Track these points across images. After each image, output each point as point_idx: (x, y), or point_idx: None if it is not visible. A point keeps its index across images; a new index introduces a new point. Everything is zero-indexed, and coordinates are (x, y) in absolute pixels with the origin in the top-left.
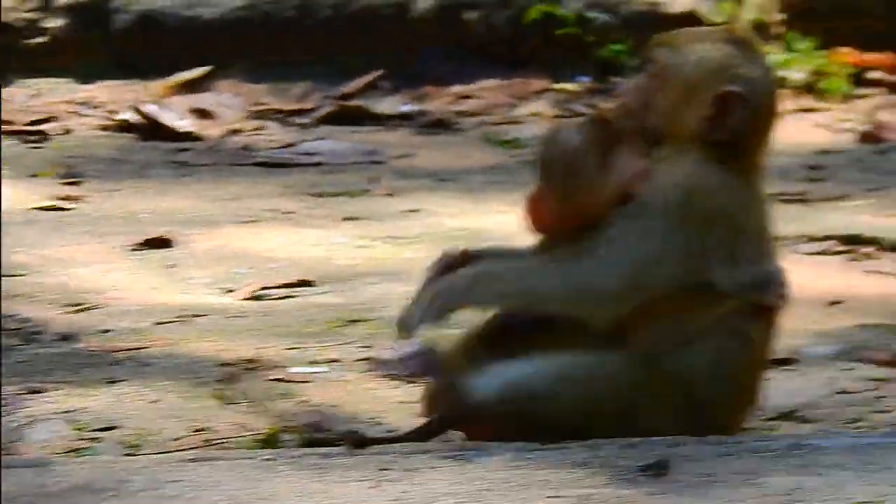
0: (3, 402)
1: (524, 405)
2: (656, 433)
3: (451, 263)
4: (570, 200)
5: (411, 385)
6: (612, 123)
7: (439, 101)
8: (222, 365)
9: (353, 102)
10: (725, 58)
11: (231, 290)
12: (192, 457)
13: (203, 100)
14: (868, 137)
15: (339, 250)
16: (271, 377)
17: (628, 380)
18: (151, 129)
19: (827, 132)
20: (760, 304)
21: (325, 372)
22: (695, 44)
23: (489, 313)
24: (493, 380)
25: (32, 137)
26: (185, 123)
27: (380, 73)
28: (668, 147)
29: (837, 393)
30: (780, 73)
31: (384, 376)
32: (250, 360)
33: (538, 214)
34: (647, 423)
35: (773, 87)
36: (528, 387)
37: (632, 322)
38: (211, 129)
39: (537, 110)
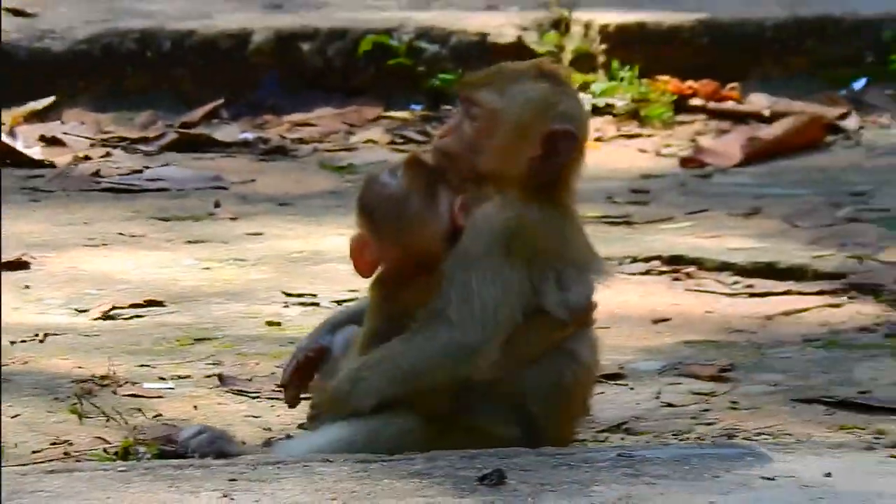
0: None
1: None
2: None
3: (306, 362)
4: (393, 243)
5: (257, 401)
6: (426, 164)
7: (278, 129)
8: (78, 381)
9: (196, 130)
10: (547, 96)
11: (84, 310)
12: (51, 468)
13: (52, 128)
14: (689, 162)
15: (187, 272)
16: (125, 392)
17: (415, 439)
18: (3, 157)
19: (650, 157)
20: (583, 323)
21: (175, 388)
22: (514, 84)
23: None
24: (298, 446)
25: None
26: (35, 151)
27: (220, 102)
28: (488, 185)
29: (664, 406)
30: (605, 100)
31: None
32: (104, 377)
33: (362, 258)
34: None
35: (588, 118)
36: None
37: None
38: (60, 157)
39: (371, 137)
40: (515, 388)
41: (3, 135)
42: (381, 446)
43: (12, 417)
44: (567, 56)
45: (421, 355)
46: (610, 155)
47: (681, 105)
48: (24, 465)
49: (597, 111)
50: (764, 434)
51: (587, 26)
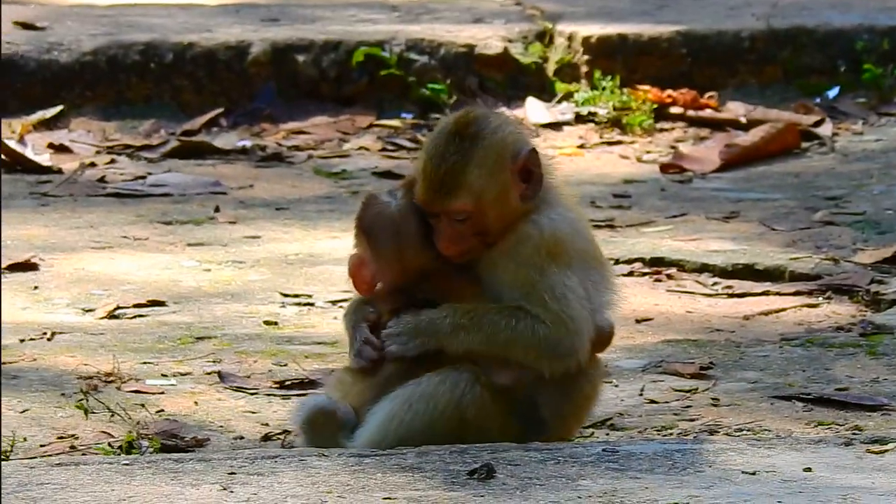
0: None
1: (402, 437)
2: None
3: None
4: (391, 263)
5: (255, 397)
6: None
7: (274, 137)
8: (84, 378)
9: (196, 138)
10: (494, 148)
11: (90, 310)
12: (58, 461)
13: (59, 136)
14: (669, 168)
15: (188, 273)
16: (129, 389)
17: (470, 401)
18: (14, 164)
19: (631, 163)
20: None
21: (176, 384)
22: (468, 170)
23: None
24: (366, 428)
25: None
26: (44, 158)
27: (220, 111)
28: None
29: (647, 403)
30: (588, 109)
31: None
32: (109, 374)
33: (361, 277)
34: (496, 436)
35: (518, 122)
36: (397, 422)
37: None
38: (68, 163)
39: (364, 144)
40: (530, 394)
41: (14, 142)
42: (434, 399)
43: (21, 412)
44: (551, 66)
45: (520, 341)
46: (593, 161)
47: (661, 113)
48: (32, 458)
49: (580, 119)
50: (744, 430)
51: (570, 38)
